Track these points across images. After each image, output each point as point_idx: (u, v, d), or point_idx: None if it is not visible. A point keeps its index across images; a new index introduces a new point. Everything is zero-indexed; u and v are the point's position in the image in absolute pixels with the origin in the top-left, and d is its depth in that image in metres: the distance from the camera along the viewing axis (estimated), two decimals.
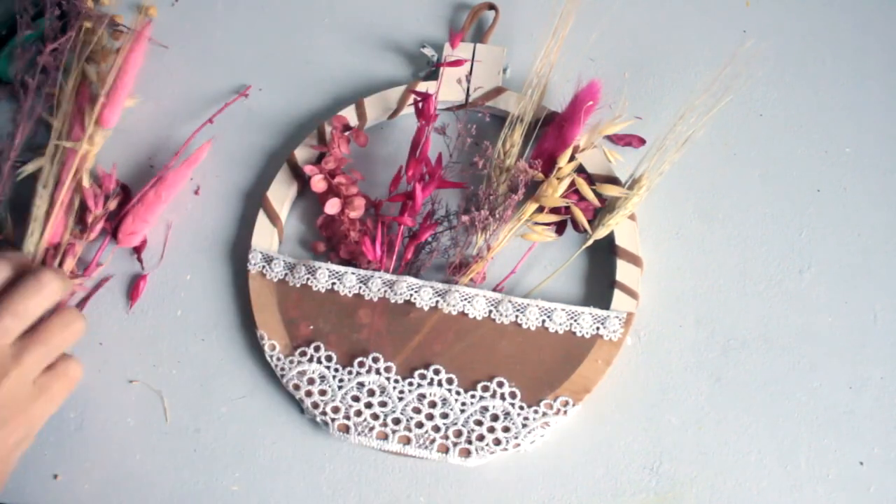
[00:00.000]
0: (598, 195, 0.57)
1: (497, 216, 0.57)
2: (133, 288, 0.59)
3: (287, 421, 0.56)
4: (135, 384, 0.57)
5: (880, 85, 0.63)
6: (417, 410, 0.55)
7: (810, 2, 0.66)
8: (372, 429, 0.54)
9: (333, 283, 0.57)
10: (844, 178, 0.61)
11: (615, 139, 0.61)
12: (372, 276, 0.57)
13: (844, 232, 0.59)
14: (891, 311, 0.57)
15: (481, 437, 0.54)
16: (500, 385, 0.55)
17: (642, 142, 0.61)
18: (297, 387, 0.56)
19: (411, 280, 0.57)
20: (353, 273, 0.57)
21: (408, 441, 0.54)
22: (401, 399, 0.55)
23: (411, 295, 0.57)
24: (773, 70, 0.63)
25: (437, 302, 0.56)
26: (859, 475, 0.54)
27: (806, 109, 0.63)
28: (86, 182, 0.58)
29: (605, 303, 0.57)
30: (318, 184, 0.58)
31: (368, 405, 0.55)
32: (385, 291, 0.57)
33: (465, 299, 0.56)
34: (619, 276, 0.57)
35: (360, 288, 0.57)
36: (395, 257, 0.58)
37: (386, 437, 0.54)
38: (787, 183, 0.61)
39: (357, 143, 0.60)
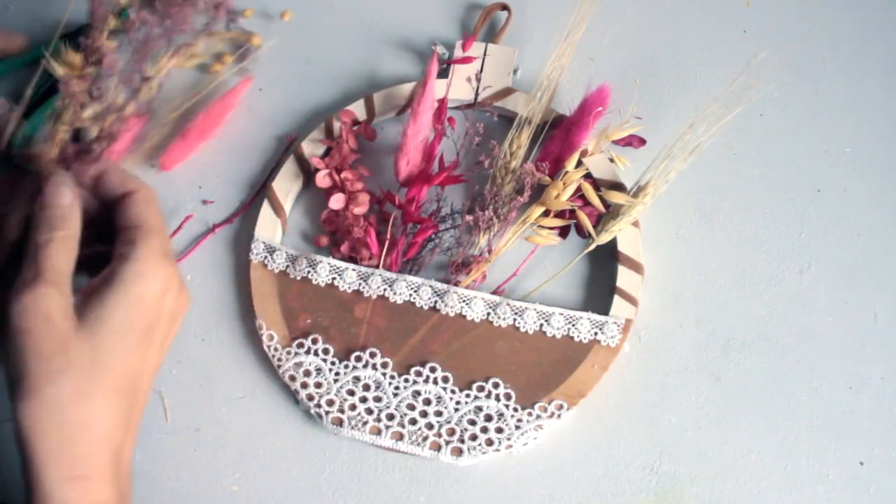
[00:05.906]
0: (602, 201, 0.57)
1: (501, 217, 0.57)
2: None
3: (288, 421, 0.56)
4: None
5: (880, 85, 0.63)
6: (412, 407, 0.55)
7: (810, 2, 0.66)
8: (365, 423, 0.54)
9: (334, 278, 0.57)
10: (844, 178, 0.61)
11: (615, 140, 0.61)
12: (372, 274, 0.57)
13: (844, 232, 0.59)
14: (891, 311, 0.57)
15: (474, 437, 0.54)
16: (496, 386, 0.55)
17: (642, 142, 0.61)
18: (293, 378, 0.56)
19: (411, 279, 0.57)
20: (353, 269, 0.57)
21: (400, 437, 0.54)
22: (396, 395, 0.55)
23: (410, 294, 0.57)
24: (773, 70, 0.63)
25: (436, 302, 0.56)
26: (859, 475, 0.53)
27: (806, 109, 0.62)
28: None
29: (604, 308, 0.57)
30: (324, 180, 0.59)
31: (363, 399, 0.55)
32: (385, 290, 0.57)
33: (464, 301, 0.56)
34: (619, 283, 0.57)
35: (359, 284, 0.57)
36: (397, 254, 0.58)
37: (379, 433, 0.54)
38: (787, 183, 0.61)
39: (365, 136, 0.60)
